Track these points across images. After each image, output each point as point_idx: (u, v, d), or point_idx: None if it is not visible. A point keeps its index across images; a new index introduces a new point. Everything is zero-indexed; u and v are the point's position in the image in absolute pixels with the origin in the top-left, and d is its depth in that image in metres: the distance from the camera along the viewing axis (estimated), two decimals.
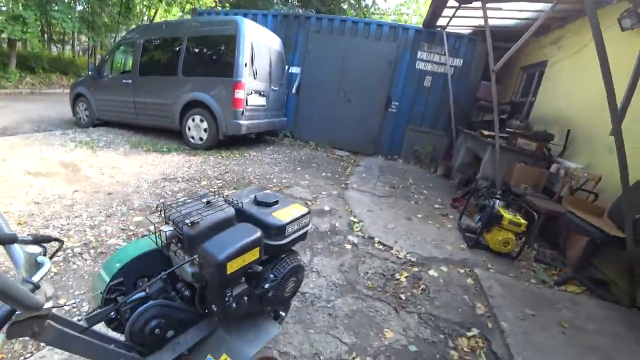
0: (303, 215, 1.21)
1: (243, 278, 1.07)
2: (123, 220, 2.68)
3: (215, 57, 4.88)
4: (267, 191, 1.32)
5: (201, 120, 4.85)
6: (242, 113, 4.71)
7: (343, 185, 4.15)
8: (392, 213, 3.39)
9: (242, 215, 1.15)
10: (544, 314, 2.00)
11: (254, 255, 1.01)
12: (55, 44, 15.34)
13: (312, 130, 6.37)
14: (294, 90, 6.32)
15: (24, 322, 0.64)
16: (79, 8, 12.37)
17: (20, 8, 9.12)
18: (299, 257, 1.27)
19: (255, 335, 1.15)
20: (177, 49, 5.00)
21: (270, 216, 1.14)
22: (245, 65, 4.55)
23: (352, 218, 3.13)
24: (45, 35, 13.84)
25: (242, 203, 1.19)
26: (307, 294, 1.99)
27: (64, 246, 2.24)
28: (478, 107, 5.35)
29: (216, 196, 1.18)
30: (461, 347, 1.69)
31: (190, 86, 4.87)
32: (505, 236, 2.57)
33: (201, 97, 4.75)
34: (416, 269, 2.36)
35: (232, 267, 0.96)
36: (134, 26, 11.46)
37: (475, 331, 1.80)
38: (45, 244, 0.74)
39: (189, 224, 0.96)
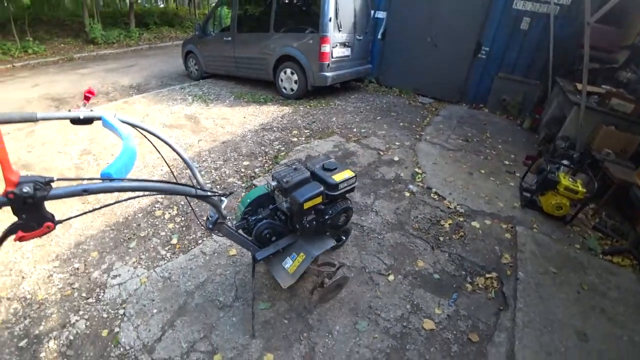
0: (351, 178, 1.82)
1: (313, 212, 1.75)
2: (236, 164, 3.63)
3: (303, 12, 5.30)
4: (332, 160, 1.93)
5: (292, 73, 5.49)
6: (328, 65, 5.17)
7: (417, 137, 4.46)
8: (455, 167, 3.68)
9: (314, 176, 1.80)
10: (567, 274, 2.27)
11: (318, 200, 1.69)
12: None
13: (396, 76, 6.46)
14: (379, 36, 6.34)
15: (219, 224, 1.44)
16: None
17: None
18: (349, 202, 1.90)
19: (319, 244, 1.86)
20: (269, 6, 5.52)
21: (330, 177, 1.77)
22: (330, 19, 4.87)
23: (416, 169, 3.56)
24: None
25: (315, 168, 1.84)
26: (365, 227, 2.65)
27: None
28: (581, 55, 4.65)
29: (300, 164, 1.84)
30: (477, 284, 2.17)
31: (282, 41, 5.44)
32: (560, 201, 2.72)
33: (291, 52, 5.32)
34: (461, 219, 2.79)
35: (307, 205, 1.66)
36: None
37: (493, 274, 2.24)
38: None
39: (285, 182, 1.66)
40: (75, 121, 1.20)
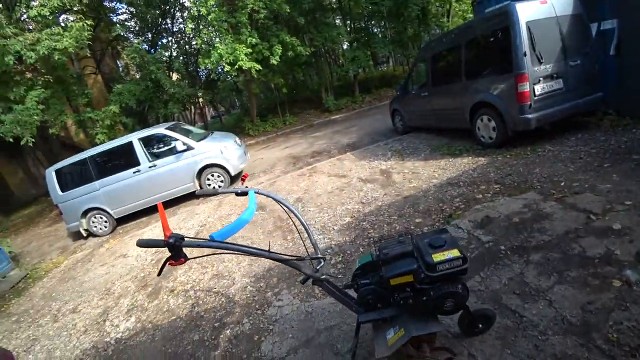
0: (455, 259, 1.62)
1: (408, 289, 1.70)
2: (408, 220, 3.74)
3: (493, 54, 4.85)
4: (444, 236, 1.77)
5: (489, 120, 5.01)
6: (530, 106, 4.38)
7: None
8: None
9: (417, 251, 1.76)
10: None
11: (408, 278, 1.66)
12: (379, 65, 20.62)
13: None
14: (612, 52, 4.64)
15: (316, 281, 1.75)
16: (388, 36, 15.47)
17: (355, 51, 13.45)
18: (459, 287, 1.67)
19: (423, 325, 1.71)
20: (458, 55, 5.44)
21: (429, 256, 1.66)
22: (525, 54, 4.21)
23: None
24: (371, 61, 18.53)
25: (421, 243, 1.78)
26: (524, 319, 2.08)
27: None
28: None
29: (408, 237, 1.85)
30: None
31: (475, 88, 5.14)
32: None
33: (486, 98, 4.91)
34: None
35: (393, 282, 1.67)
36: (433, 29, 12.90)
37: None
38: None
39: (384, 254, 1.75)
40: (237, 194, 1.95)
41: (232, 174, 7.31)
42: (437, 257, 1.65)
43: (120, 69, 16.36)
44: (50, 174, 6.99)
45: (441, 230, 1.87)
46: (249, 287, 3.26)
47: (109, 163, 7.12)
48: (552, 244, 2.65)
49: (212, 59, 9.94)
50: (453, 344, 2.04)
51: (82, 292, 4.74)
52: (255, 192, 1.99)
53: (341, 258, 3.37)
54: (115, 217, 7.14)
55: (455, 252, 1.64)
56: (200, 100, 18.98)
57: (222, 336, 2.79)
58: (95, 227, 7.14)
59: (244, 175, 2.10)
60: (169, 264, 1.44)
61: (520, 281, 2.38)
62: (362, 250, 3.43)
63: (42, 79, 8.67)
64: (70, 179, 7.02)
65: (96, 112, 9.51)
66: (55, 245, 7.66)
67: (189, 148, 7.03)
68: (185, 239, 1.42)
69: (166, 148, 7.12)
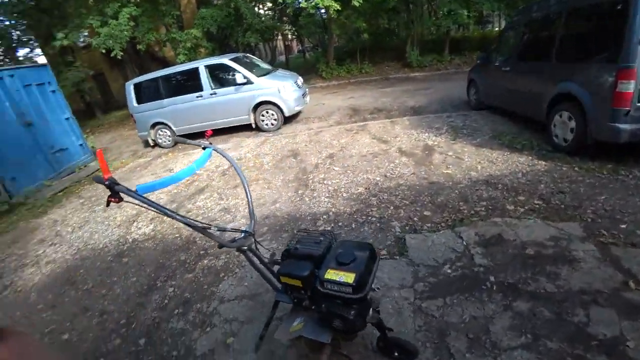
0: (345, 285, 1.42)
1: (303, 291, 1.59)
2: (417, 210, 3.38)
3: (597, 34, 3.62)
4: (359, 252, 1.55)
5: (569, 118, 3.97)
6: (627, 113, 3.30)
7: None
8: None
9: (325, 257, 1.59)
10: None
11: (297, 283, 1.56)
12: (483, 24, 17.19)
13: None
14: None
15: (239, 250, 1.71)
16: None
17: (451, 3, 11.26)
18: (352, 312, 1.46)
19: (316, 330, 1.60)
20: (555, 29, 4.21)
21: (324, 270, 1.50)
22: None
23: None
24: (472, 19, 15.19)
25: (334, 250, 1.61)
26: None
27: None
28: None
29: (327, 238, 1.68)
30: None
31: (564, 74, 4.01)
32: None
33: (571, 89, 3.83)
34: None
35: (283, 279, 1.63)
36: None
37: None
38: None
39: (294, 248, 1.67)
40: (203, 148, 1.97)
41: (287, 114, 7.35)
42: (330, 274, 1.47)
43: None
44: (130, 86, 7.90)
45: (364, 244, 1.63)
46: (243, 227, 3.47)
47: (178, 85, 7.72)
48: (554, 298, 2.12)
49: None
50: (368, 355, 1.91)
51: None
52: (212, 150, 1.98)
53: (330, 228, 3.28)
54: (177, 134, 7.93)
55: (349, 278, 1.42)
56: (288, 33, 18.70)
57: (200, 264, 3.15)
58: (160, 139, 8.07)
59: (208, 133, 2.15)
60: (108, 199, 1.50)
61: (483, 326, 2.01)
62: (354, 226, 3.29)
63: None
64: (145, 94, 7.86)
65: (180, 34, 10.12)
66: (130, 148, 8.97)
67: (248, 82, 7.17)
68: (120, 185, 1.45)
69: (229, 78, 7.39)
